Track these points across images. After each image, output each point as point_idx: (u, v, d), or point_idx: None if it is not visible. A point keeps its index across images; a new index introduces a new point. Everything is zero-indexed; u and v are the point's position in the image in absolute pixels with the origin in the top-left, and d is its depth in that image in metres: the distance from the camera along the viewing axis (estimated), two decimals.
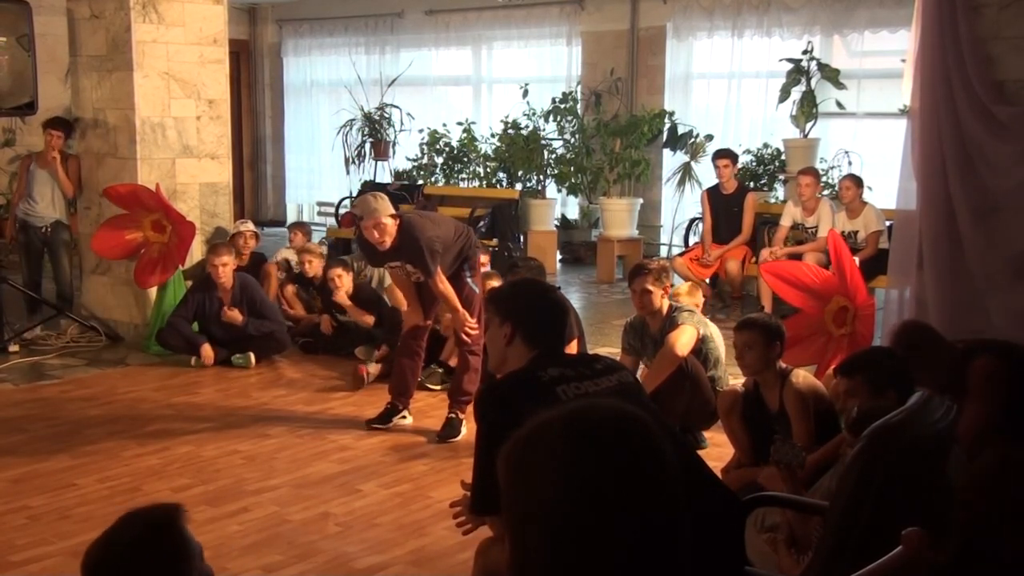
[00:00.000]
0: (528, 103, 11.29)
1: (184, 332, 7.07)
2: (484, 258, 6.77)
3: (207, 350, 6.98)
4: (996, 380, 3.84)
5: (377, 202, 5.48)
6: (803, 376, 4.40)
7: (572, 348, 5.45)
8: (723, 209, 9.04)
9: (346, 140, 12.62)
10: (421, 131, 12.25)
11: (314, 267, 7.82)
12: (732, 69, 10.96)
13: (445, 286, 5.58)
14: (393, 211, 5.52)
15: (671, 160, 11.11)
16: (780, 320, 4.63)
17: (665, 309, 5.27)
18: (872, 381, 3.75)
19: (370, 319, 7.25)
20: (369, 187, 12.12)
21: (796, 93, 9.69)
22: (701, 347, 5.25)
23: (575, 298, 9.46)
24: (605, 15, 11.79)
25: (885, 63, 9.56)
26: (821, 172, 8.93)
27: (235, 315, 7.05)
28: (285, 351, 7.31)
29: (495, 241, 10.29)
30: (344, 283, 7.31)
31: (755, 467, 4.36)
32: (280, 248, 9.11)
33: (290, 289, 7.98)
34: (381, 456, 5.30)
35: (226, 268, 7.04)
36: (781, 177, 10.00)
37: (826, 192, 8.92)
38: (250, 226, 8.22)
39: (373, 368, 6.59)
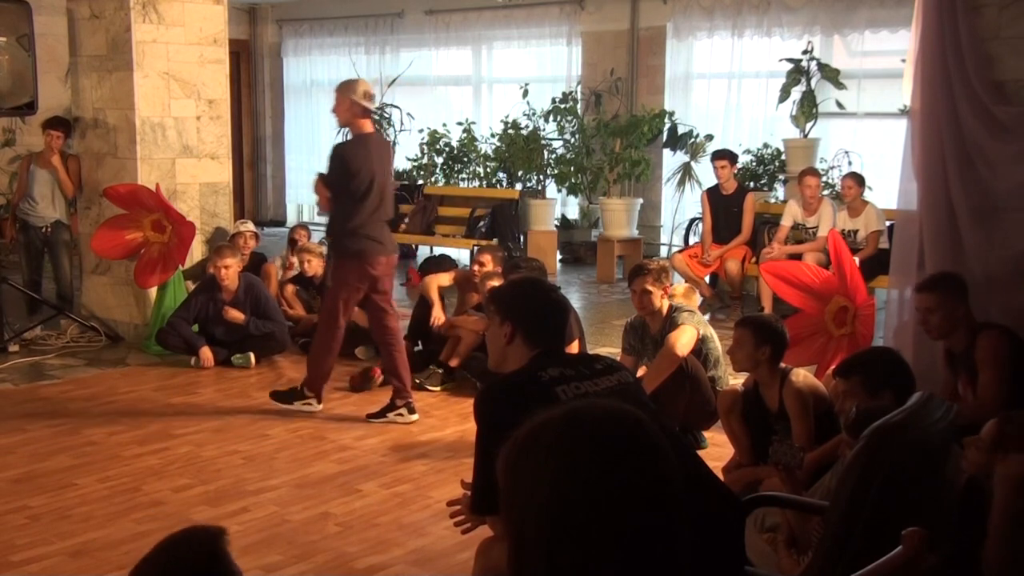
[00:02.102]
0: (528, 103, 11.29)
1: (184, 333, 7.06)
2: (486, 258, 6.78)
3: (206, 353, 6.97)
4: (1001, 352, 3.99)
5: (352, 83, 5.74)
6: (803, 375, 4.40)
7: (573, 349, 5.45)
8: (723, 209, 9.03)
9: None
10: (421, 131, 12.26)
11: (313, 266, 7.82)
12: (732, 69, 10.97)
13: (322, 192, 5.76)
14: (360, 100, 5.61)
15: (671, 160, 11.11)
16: (781, 324, 4.62)
17: (665, 309, 5.28)
18: (868, 382, 3.76)
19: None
20: None
21: (796, 93, 9.69)
22: (701, 347, 5.25)
23: (575, 298, 9.46)
24: (605, 15, 11.79)
25: (885, 63, 9.56)
26: (822, 172, 8.93)
27: (236, 315, 7.05)
28: (285, 351, 7.31)
29: (495, 241, 10.29)
30: None
31: (755, 467, 4.37)
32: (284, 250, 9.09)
33: (290, 289, 7.98)
34: (381, 456, 5.30)
35: (229, 270, 7.03)
36: (781, 177, 10.00)
37: (826, 192, 8.92)
38: (250, 226, 8.22)
39: (381, 378, 6.54)
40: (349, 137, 5.96)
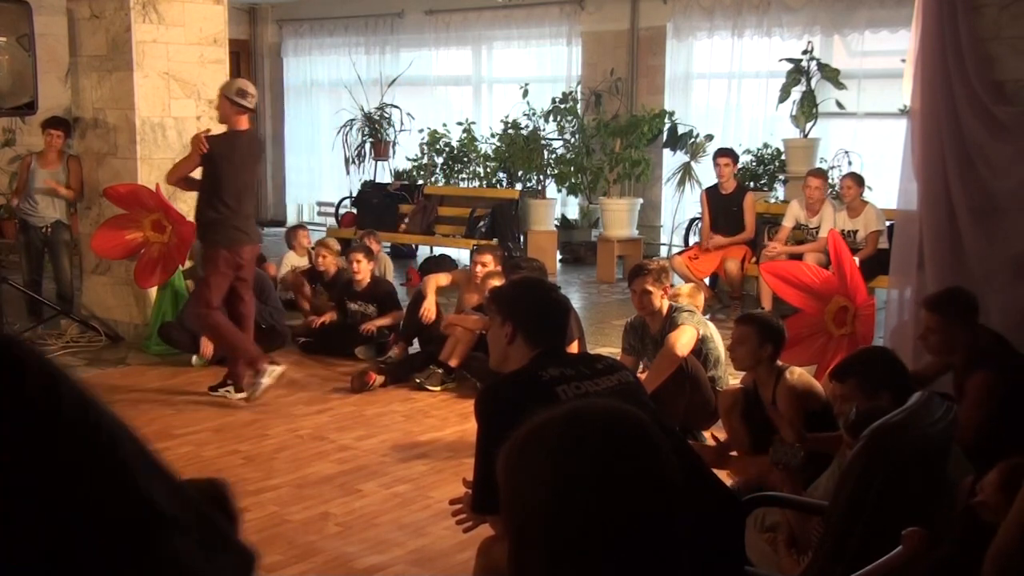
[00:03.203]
0: (528, 103, 11.29)
1: (191, 328, 7.05)
2: (487, 258, 6.77)
3: (206, 343, 6.96)
4: (992, 394, 3.92)
5: (230, 81, 6.16)
6: (799, 374, 4.39)
7: (573, 349, 5.45)
8: (721, 209, 9.04)
9: (346, 140, 12.63)
10: (421, 131, 12.27)
11: (327, 263, 7.83)
12: (732, 69, 10.97)
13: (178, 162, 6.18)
14: (232, 96, 5.86)
15: (671, 160, 11.12)
16: (782, 321, 4.62)
17: (665, 310, 5.28)
18: (865, 384, 3.75)
19: (385, 321, 7.32)
20: (369, 187, 12.15)
21: (796, 93, 9.69)
22: (701, 347, 5.25)
23: (575, 298, 9.46)
24: (605, 15, 11.79)
25: (885, 63, 9.56)
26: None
27: None
28: (284, 345, 7.33)
29: (495, 241, 10.29)
30: (363, 268, 7.40)
31: (754, 456, 4.34)
32: (284, 254, 9.09)
33: (307, 288, 8.10)
34: (381, 456, 5.30)
35: None
36: (781, 177, 10.00)
37: (827, 192, 8.92)
38: None
39: (379, 380, 6.55)
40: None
